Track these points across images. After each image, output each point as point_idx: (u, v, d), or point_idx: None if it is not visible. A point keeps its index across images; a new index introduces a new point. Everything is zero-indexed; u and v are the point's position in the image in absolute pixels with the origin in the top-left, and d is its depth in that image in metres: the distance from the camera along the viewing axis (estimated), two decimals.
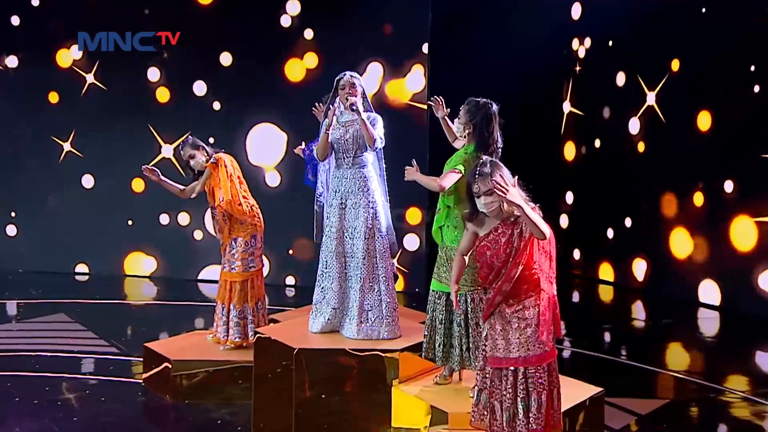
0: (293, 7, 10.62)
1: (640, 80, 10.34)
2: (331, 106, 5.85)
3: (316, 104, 6.52)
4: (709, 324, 9.32)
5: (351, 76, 5.80)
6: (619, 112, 10.75)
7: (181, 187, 6.96)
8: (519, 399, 4.22)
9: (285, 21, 10.66)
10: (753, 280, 9.08)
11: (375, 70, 10.29)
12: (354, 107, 5.59)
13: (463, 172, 4.92)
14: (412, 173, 5.09)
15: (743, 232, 9.19)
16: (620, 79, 10.72)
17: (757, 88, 8.91)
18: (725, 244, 9.39)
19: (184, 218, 11.06)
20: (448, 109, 5.48)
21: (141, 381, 6.83)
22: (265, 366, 5.72)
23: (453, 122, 5.36)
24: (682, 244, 10.01)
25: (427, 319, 5.23)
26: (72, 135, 11.31)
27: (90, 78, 11.19)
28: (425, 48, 10.20)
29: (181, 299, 10.05)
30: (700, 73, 9.57)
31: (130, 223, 11.24)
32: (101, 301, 9.91)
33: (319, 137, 5.92)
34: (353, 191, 5.73)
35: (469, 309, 5.03)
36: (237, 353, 6.68)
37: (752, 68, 8.93)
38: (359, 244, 5.69)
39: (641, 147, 10.44)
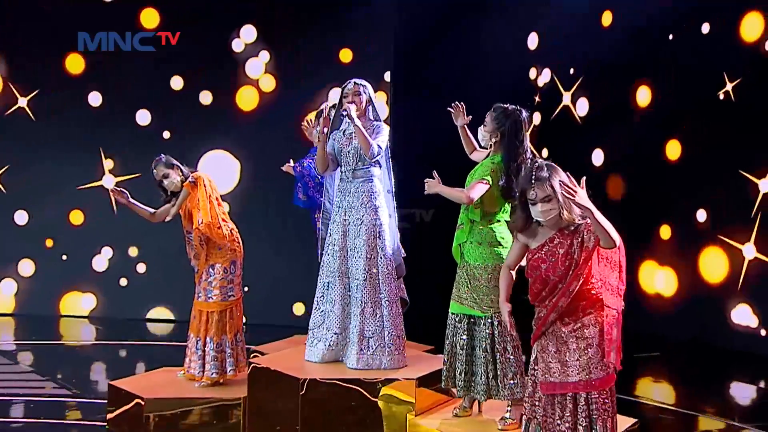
0: (248, 32, 10.17)
1: (599, 111, 10.25)
2: (341, 113, 5.42)
3: (307, 120, 6.12)
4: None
5: (356, 84, 5.40)
6: (583, 145, 10.60)
7: (152, 210, 6.38)
8: (581, 428, 3.81)
9: (237, 46, 10.20)
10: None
11: (336, 96, 9.87)
12: (344, 113, 5.25)
13: (490, 182, 4.59)
14: (434, 185, 4.68)
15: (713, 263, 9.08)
16: (582, 108, 10.60)
17: (726, 117, 8.89)
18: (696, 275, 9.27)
19: (130, 251, 10.38)
20: (470, 117, 5.11)
21: (104, 423, 6.14)
22: (261, 400, 5.19)
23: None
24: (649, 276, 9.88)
25: (447, 345, 4.83)
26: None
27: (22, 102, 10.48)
28: (387, 76, 9.89)
29: (129, 339, 9.32)
30: (668, 104, 9.53)
31: (64, 258, 10.45)
32: (40, 342, 9.12)
33: (313, 152, 5.52)
34: (356, 207, 5.31)
35: (495, 333, 4.65)
36: (214, 390, 6.08)
37: (721, 96, 8.92)
38: (360, 265, 5.26)
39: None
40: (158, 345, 9.13)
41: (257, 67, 10.17)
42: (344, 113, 5.28)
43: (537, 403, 3.95)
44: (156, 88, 10.26)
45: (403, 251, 5.45)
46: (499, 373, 4.62)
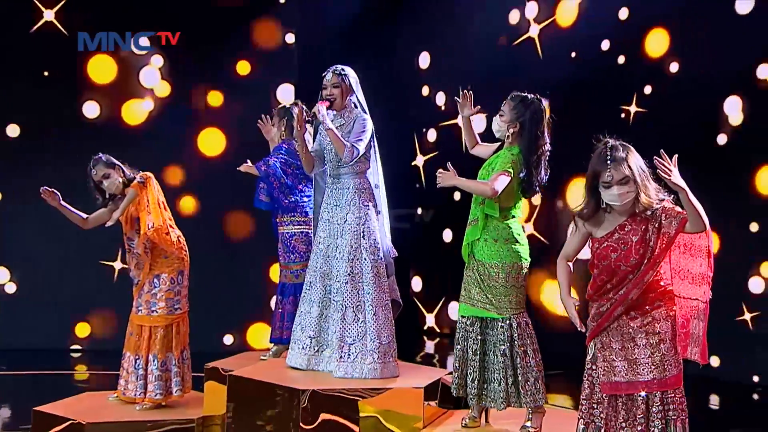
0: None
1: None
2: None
3: (262, 117, 5.74)
4: None
5: (334, 73, 4.99)
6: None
7: (84, 215, 5.74)
8: (657, 430, 3.55)
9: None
10: None
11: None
12: (309, 118, 4.99)
13: (512, 174, 4.32)
14: (450, 177, 4.36)
15: None
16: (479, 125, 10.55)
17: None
18: None
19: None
20: (478, 107, 4.76)
21: None
22: (243, 413, 4.72)
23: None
24: None
25: (458, 350, 4.49)
26: None
27: None
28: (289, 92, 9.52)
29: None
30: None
31: None
32: None
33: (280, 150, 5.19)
34: (341, 205, 4.95)
35: (515, 335, 4.36)
36: (162, 412, 5.50)
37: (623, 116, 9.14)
38: (342, 266, 4.88)
39: None
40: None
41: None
42: (309, 120, 5.00)
43: (596, 406, 3.69)
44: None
45: (394, 251, 5.10)
46: (520, 378, 4.33)
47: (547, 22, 9.41)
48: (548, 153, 4.45)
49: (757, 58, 7.51)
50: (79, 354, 9.20)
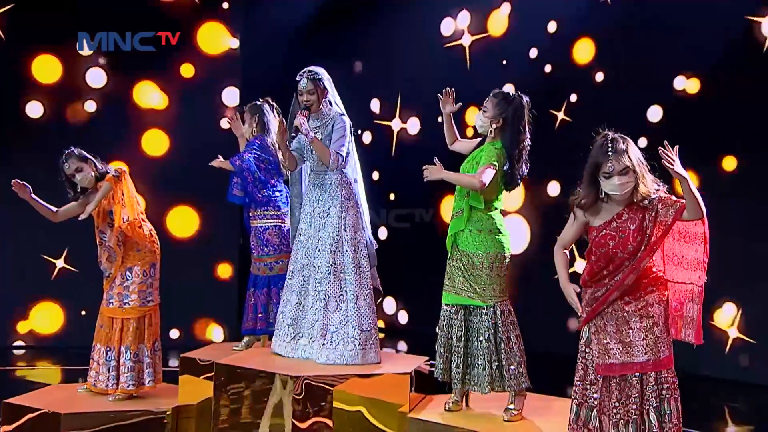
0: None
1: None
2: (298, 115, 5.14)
3: (234, 114, 5.97)
4: None
5: (308, 79, 5.14)
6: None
7: (54, 209, 5.83)
8: (651, 409, 3.73)
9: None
10: None
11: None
12: (294, 135, 5.15)
13: (497, 167, 4.53)
14: (437, 171, 4.56)
15: None
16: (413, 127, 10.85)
17: None
18: None
19: None
20: (459, 104, 4.97)
21: None
22: (229, 400, 4.93)
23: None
24: None
25: (442, 337, 4.69)
26: None
27: None
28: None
29: None
30: None
31: None
32: None
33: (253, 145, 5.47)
34: (323, 199, 5.17)
35: (498, 322, 4.57)
36: (135, 403, 5.61)
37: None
38: (324, 258, 5.09)
39: None
40: None
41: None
42: (293, 134, 5.16)
43: (589, 387, 3.85)
44: None
45: (374, 243, 5.31)
46: (504, 363, 4.54)
47: (481, 35, 9.87)
48: (528, 147, 4.67)
49: (674, 71, 8.12)
50: (22, 351, 9.18)
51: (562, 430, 4.24)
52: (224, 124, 8.37)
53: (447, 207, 9.57)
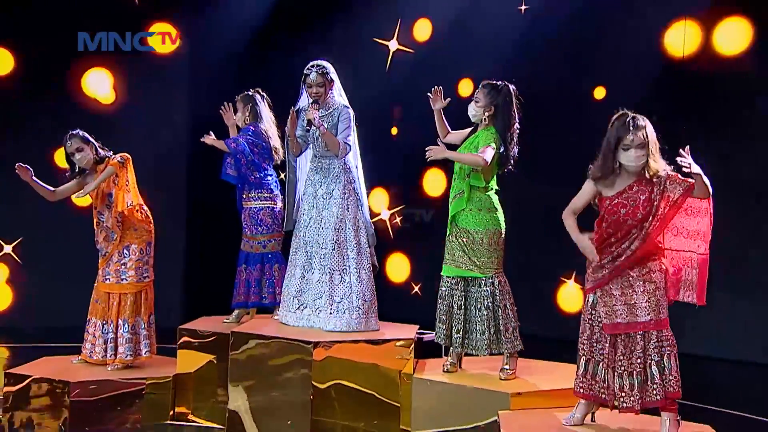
0: None
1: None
2: (305, 107, 5.67)
3: (225, 104, 6.33)
4: None
5: (317, 73, 5.59)
6: None
7: (52, 188, 6.09)
8: (653, 363, 4.22)
9: None
10: None
11: None
12: (308, 129, 5.57)
13: (495, 147, 5.00)
14: (440, 151, 5.03)
15: None
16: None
17: None
18: None
19: None
20: (448, 99, 5.42)
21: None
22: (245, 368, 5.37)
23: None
24: None
25: (443, 306, 5.18)
26: None
27: None
28: None
29: None
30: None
31: None
32: None
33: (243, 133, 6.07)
34: (326, 182, 5.63)
35: (496, 291, 5.09)
36: (132, 372, 5.94)
37: None
38: (328, 235, 5.56)
39: None
40: None
41: None
42: (307, 128, 5.58)
43: (595, 344, 4.33)
44: None
45: (372, 224, 5.80)
46: (501, 328, 5.05)
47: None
48: (518, 130, 5.16)
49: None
50: None
51: (551, 385, 4.95)
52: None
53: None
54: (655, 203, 4.23)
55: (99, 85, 9.82)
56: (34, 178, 5.95)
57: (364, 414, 5.27)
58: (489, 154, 4.99)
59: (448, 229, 5.26)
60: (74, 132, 6.03)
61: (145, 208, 6.17)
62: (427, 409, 5.11)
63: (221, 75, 9.71)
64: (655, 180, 4.23)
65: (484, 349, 5.12)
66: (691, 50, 8.56)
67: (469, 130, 5.38)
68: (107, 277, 6.06)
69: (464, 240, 5.15)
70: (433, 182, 10.25)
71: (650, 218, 4.23)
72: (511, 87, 5.16)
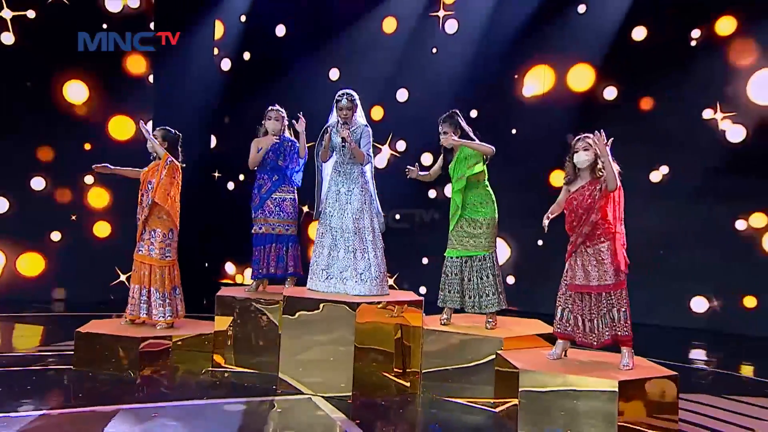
0: None
1: None
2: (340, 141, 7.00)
3: (299, 114, 7.44)
4: None
5: (347, 100, 7.00)
6: None
7: (138, 169, 7.53)
8: (606, 313, 5.64)
9: None
10: None
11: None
12: (343, 144, 6.97)
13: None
14: (450, 140, 6.69)
15: None
16: None
17: None
18: None
19: None
20: (417, 166, 7.07)
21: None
22: (294, 327, 6.69)
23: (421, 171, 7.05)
24: None
25: (447, 278, 6.79)
26: None
27: None
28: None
29: None
30: None
31: None
32: None
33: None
34: (347, 182, 7.02)
35: (494, 265, 6.73)
36: (176, 330, 7.25)
37: None
38: (350, 223, 6.97)
39: None
40: None
41: None
42: (343, 144, 6.97)
43: (567, 299, 5.88)
44: None
45: (382, 213, 7.20)
46: (490, 294, 6.70)
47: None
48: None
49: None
50: None
51: (524, 332, 6.66)
52: None
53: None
54: (596, 197, 5.68)
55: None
56: (113, 168, 7.45)
57: (389, 359, 6.72)
58: (490, 146, 6.72)
59: (451, 225, 6.86)
60: (165, 127, 7.51)
61: (178, 204, 7.43)
62: (436, 351, 6.65)
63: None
64: (599, 179, 5.69)
65: (476, 307, 6.74)
66: None
67: (440, 158, 7.04)
68: (140, 249, 7.39)
69: (472, 227, 6.77)
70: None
71: (594, 208, 5.70)
72: (455, 111, 6.89)
